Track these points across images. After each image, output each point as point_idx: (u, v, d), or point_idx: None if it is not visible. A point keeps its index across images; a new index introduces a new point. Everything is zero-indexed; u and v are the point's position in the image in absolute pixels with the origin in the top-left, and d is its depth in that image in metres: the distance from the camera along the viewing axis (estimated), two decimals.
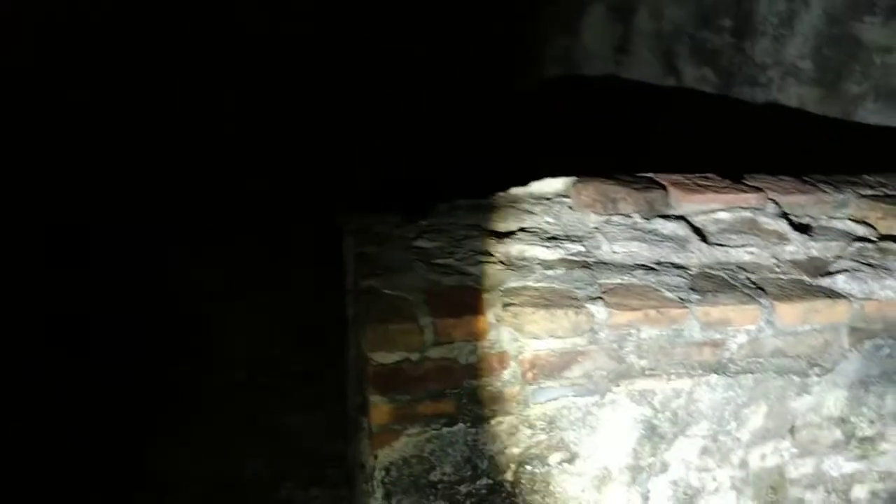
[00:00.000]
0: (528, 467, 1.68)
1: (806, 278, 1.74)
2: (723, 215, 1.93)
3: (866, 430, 1.82)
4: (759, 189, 1.99)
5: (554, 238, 1.81)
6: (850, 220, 1.97)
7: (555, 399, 1.62)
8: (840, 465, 1.85)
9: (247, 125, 4.96)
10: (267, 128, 5.00)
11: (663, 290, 1.65)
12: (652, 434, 1.71)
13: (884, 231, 1.93)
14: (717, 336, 1.64)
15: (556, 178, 2.01)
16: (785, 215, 1.94)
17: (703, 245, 1.82)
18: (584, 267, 1.71)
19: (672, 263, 1.76)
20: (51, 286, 3.55)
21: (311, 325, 3.33)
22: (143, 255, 3.80)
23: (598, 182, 1.95)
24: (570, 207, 1.93)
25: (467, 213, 1.91)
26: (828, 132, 3.36)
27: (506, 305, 1.56)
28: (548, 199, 1.97)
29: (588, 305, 1.57)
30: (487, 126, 4.46)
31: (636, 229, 1.86)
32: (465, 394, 1.58)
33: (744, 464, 1.79)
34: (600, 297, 1.60)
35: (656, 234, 1.85)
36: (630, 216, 1.90)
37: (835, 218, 1.97)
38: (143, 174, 4.42)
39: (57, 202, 4.05)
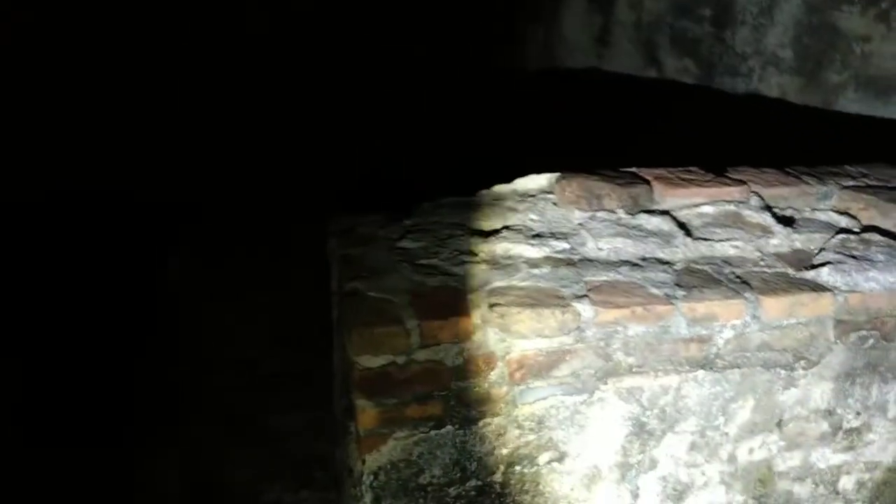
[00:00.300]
0: (518, 467, 1.67)
1: (790, 271, 1.74)
2: (707, 209, 1.93)
3: (853, 422, 1.83)
4: (742, 182, 1.99)
5: (539, 235, 1.80)
6: (833, 211, 1.97)
7: (543, 398, 1.62)
8: (827, 457, 1.86)
9: (246, 125, 4.94)
10: (266, 127, 4.99)
11: (649, 286, 1.65)
12: (640, 431, 1.71)
13: (866, 222, 1.94)
14: (704, 332, 1.64)
15: (540, 175, 2.00)
16: (768, 208, 1.94)
17: (688, 240, 1.82)
18: (569, 264, 1.71)
19: (657, 259, 1.76)
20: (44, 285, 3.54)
21: (298, 327, 3.31)
22: (140, 256, 3.80)
23: (582, 178, 1.94)
24: (555, 204, 1.92)
25: (451, 212, 1.89)
26: (809, 121, 3.37)
27: (492, 306, 1.55)
28: (532, 195, 1.96)
29: (574, 304, 1.57)
30: (468, 122, 4.44)
31: (621, 225, 1.85)
32: (453, 396, 1.57)
33: (732, 458, 1.79)
34: (586, 295, 1.60)
35: (641, 230, 1.84)
36: (614, 212, 1.89)
37: (818, 210, 1.98)
38: (142, 173, 4.40)
39: (57, 202, 4.03)
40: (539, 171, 2.01)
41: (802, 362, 1.72)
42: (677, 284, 1.66)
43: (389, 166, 4.23)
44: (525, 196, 1.96)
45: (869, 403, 1.82)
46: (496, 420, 1.61)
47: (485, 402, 1.59)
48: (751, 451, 1.80)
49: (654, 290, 1.63)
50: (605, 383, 1.64)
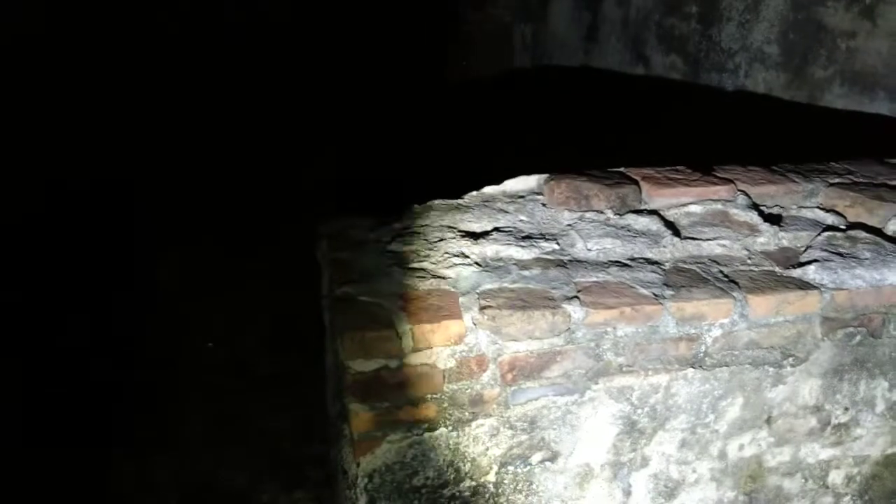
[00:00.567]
0: (511, 468, 1.68)
1: (777, 269, 1.76)
2: (694, 208, 1.94)
3: (841, 417, 1.85)
4: (729, 181, 2.01)
5: (529, 237, 1.81)
6: (819, 209, 1.99)
7: (535, 399, 1.63)
8: (816, 452, 1.88)
9: (244, 123, 4.94)
10: (263, 126, 4.99)
11: (638, 286, 1.66)
12: (631, 429, 1.72)
13: (852, 219, 1.96)
14: (692, 331, 1.65)
15: (529, 176, 2.01)
16: (755, 206, 1.96)
17: (676, 239, 1.83)
18: (559, 266, 1.72)
19: (646, 259, 1.77)
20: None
21: (291, 328, 3.32)
22: (134, 257, 3.81)
23: (571, 179, 1.96)
24: (544, 205, 1.94)
25: (441, 214, 1.90)
26: (795, 117, 3.39)
27: (483, 308, 1.56)
28: (521, 197, 1.98)
29: (564, 305, 1.58)
30: (455, 123, 4.45)
31: (609, 225, 1.87)
32: (446, 398, 1.58)
33: (722, 455, 1.81)
34: (576, 297, 1.61)
35: (629, 230, 1.86)
36: (603, 212, 1.91)
37: (804, 207, 1.99)
38: (139, 172, 4.40)
39: (56, 201, 4.03)
40: (528, 171, 2.02)
41: (790, 359, 1.74)
42: (666, 284, 1.67)
43: (374, 168, 4.24)
44: (514, 197, 1.97)
45: (857, 399, 1.84)
46: (489, 421, 1.62)
47: (477, 404, 1.60)
48: (741, 447, 1.82)
49: (643, 291, 1.65)
50: (596, 383, 1.65)
